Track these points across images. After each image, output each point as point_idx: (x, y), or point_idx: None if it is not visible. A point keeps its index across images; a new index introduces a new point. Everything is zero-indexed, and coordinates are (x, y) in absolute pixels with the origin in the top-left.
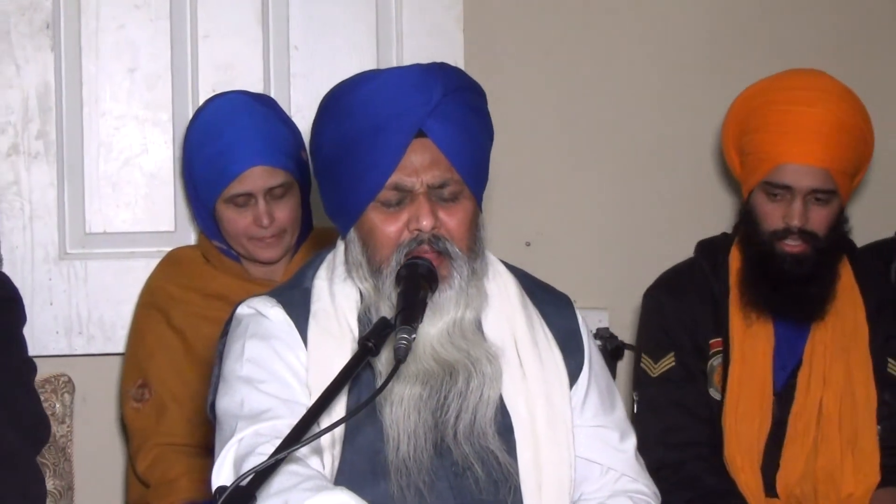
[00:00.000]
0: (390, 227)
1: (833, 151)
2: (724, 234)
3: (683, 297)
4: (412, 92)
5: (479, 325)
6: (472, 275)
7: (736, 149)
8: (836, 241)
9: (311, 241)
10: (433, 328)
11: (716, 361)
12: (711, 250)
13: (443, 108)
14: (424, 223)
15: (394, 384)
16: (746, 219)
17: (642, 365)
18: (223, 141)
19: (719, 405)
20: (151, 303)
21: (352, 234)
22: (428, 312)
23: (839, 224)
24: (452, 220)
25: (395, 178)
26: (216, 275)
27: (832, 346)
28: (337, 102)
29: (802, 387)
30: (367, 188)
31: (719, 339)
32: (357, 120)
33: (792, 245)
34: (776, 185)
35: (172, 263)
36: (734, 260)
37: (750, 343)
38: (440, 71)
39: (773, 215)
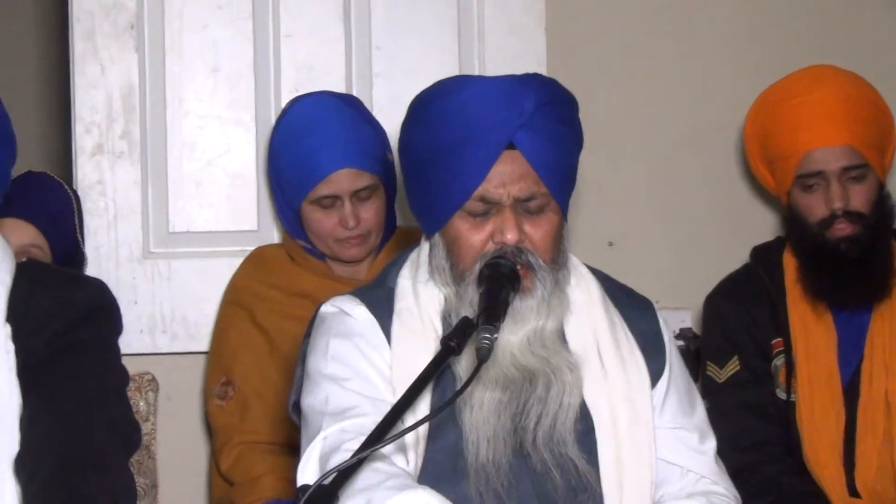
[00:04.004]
0: (475, 237)
1: (850, 125)
2: (778, 238)
3: (742, 301)
4: (504, 104)
5: (560, 334)
6: (555, 286)
7: (763, 162)
8: (883, 218)
9: (395, 241)
10: (514, 336)
11: (779, 361)
12: (766, 254)
13: (534, 122)
14: (509, 236)
15: (474, 388)
16: (792, 220)
17: (708, 372)
18: (310, 143)
19: (787, 405)
20: (236, 301)
21: (437, 238)
22: (509, 320)
23: (882, 200)
24: (537, 233)
25: (482, 189)
26: (301, 273)
27: (891, 335)
28: (428, 108)
29: (866, 378)
30: (454, 197)
31: (780, 339)
32: (447, 129)
33: (841, 228)
34: (808, 175)
35: (257, 261)
36: (789, 261)
37: (813, 340)
38: (533, 83)
39: (815, 206)
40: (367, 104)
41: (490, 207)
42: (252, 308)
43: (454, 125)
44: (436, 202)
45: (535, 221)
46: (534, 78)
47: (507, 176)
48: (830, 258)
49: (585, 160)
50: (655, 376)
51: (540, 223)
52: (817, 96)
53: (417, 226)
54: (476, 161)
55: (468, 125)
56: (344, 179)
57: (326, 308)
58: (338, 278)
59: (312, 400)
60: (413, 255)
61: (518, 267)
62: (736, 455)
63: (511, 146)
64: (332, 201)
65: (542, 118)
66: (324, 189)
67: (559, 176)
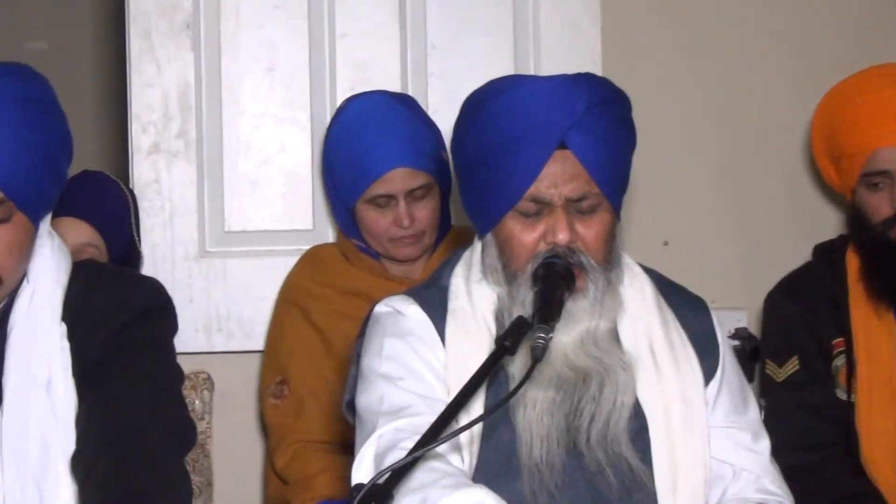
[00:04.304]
0: (527, 237)
1: None
2: (841, 237)
3: (803, 300)
4: (556, 103)
5: (613, 333)
6: (608, 285)
7: (829, 159)
8: None
9: (450, 240)
10: (566, 336)
11: (839, 362)
12: (828, 253)
13: (586, 121)
14: (561, 237)
15: (528, 388)
16: (855, 219)
17: (767, 371)
18: (365, 142)
19: (846, 405)
20: (291, 300)
21: (489, 237)
22: (562, 321)
23: None
24: (589, 233)
25: (533, 189)
26: (355, 272)
27: None
28: (480, 108)
29: None
30: (506, 197)
31: (841, 338)
32: (499, 128)
33: None
34: (874, 174)
35: (312, 261)
36: (851, 260)
37: (874, 341)
38: (585, 82)
39: (879, 205)
40: (422, 103)
41: (542, 207)
42: (307, 307)
43: (506, 125)
44: (488, 202)
45: (586, 221)
46: (586, 77)
47: (559, 176)
48: (893, 258)
49: (640, 159)
50: (709, 375)
51: (592, 223)
52: (886, 94)
53: (471, 226)
54: (528, 161)
55: (520, 125)
56: (398, 179)
57: (380, 308)
58: (392, 278)
59: (367, 399)
60: (466, 255)
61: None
62: (793, 455)
63: (563, 146)
64: (386, 201)
65: (594, 118)
66: (378, 188)
67: (611, 175)
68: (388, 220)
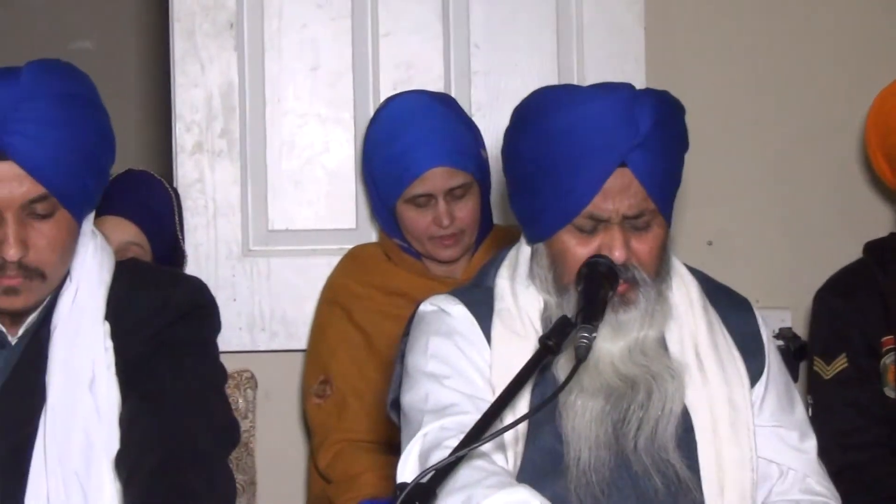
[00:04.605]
0: (581, 252)
1: None
2: (892, 234)
3: (853, 298)
4: (619, 124)
5: (661, 341)
6: (658, 296)
7: (884, 156)
8: None
9: (492, 240)
10: (614, 346)
11: (888, 359)
12: (880, 250)
13: (647, 142)
14: (617, 254)
15: (577, 396)
16: None
17: (815, 368)
18: (404, 141)
19: (895, 404)
20: (333, 299)
21: (541, 247)
22: (611, 331)
23: None
24: (644, 248)
25: (591, 207)
26: (397, 272)
27: None
28: (539, 122)
29: None
30: (564, 213)
31: (891, 336)
32: (557, 147)
33: None
34: None
35: (354, 261)
36: None
37: None
38: (647, 102)
39: None
40: (465, 102)
41: (598, 224)
42: (349, 307)
43: (566, 143)
44: (543, 215)
45: (641, 237)
46: (648, 95)
47: (617, 193)
48: None
49: (685, 159)
50: (755, 377)
51: (646, 239)
52: None
53: (514, 225)
54: (587, 179)
55: (582, 145)
56: (438, 178)
57: (425, 307)
58: (434, 277)
59: (412, 397)
60: (511, 255)
61: (622, 282)
62: (840, 453)
63: (622, 164)
64: (426, 200)
65: (655, 137)
66: (418, 188)
67: (668, 191)
68: (427, 220)
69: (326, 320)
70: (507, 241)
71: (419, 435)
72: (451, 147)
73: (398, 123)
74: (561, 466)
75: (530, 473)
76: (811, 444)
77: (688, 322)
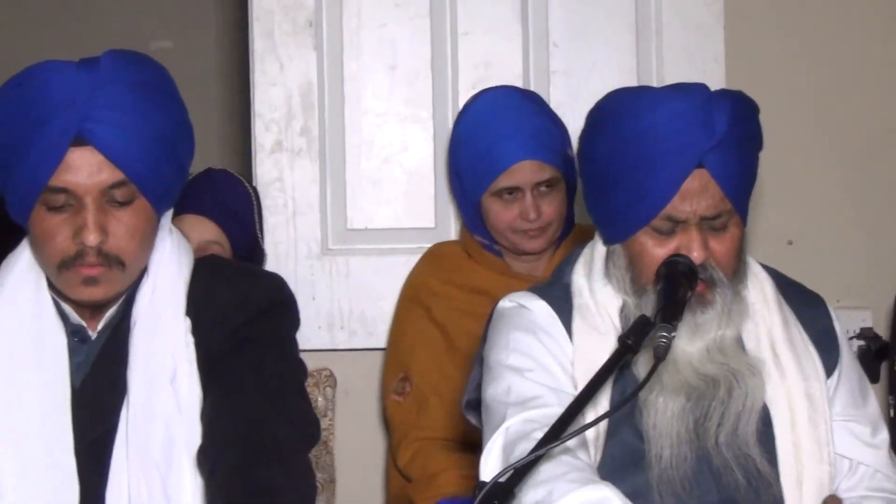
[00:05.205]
0: (659, 253)
1: None
2: None
3: None
4: (695, 126)
5: (738, 340)
6: (735, 296)
7: None
8: None
9: (573, 239)
10: (692, 347)
11: None
12: None
13: (724, 143)
14: (696, 255)
15: (658, 394)
16: None
17: None
18: (492, 135)
19: None
20: (413, 297)
21: (618, 248)
22: (688, 331)
23: None
24: (721, 249)
25: (669, 208)
26: (478, 270)
27: None
28: (615, 125)
29: None
30: (641, 214)
31: None
32: (636, 147)
33: None
34: None
35: (434, 258)
36: None
37: None
38: (724, 103)
39: None
40: (544, 101)
41: (676, 225)
42: (429, 305)
43: (643, 145)
44: (620, 217)
45: (719, 238)
46: (723, 97)
47: (695, 195)
48: None
49: (764, 158)
50: (829, 371)
51: (724, 239)
52: None
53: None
54: (665, 181)
55: (659, 147)
56: (526, 171)
57: (504, 303)
58: (515, 275)
59: (494, 390)
60: (586, 252)
61: (699, 283)
62: None
63: (699, 165)
64: (512, 193)
65: (731, 138)
66: (505, 181)
67: (744, 191)
68: (513, 213)
69: (406, 318)
70: (588, 240)
71: (502, 428)
72: (540, 142)
73: (488, 117)
74: (641, 463)
75: (610, 469)
76: (882, 437)
77: (763, 319)
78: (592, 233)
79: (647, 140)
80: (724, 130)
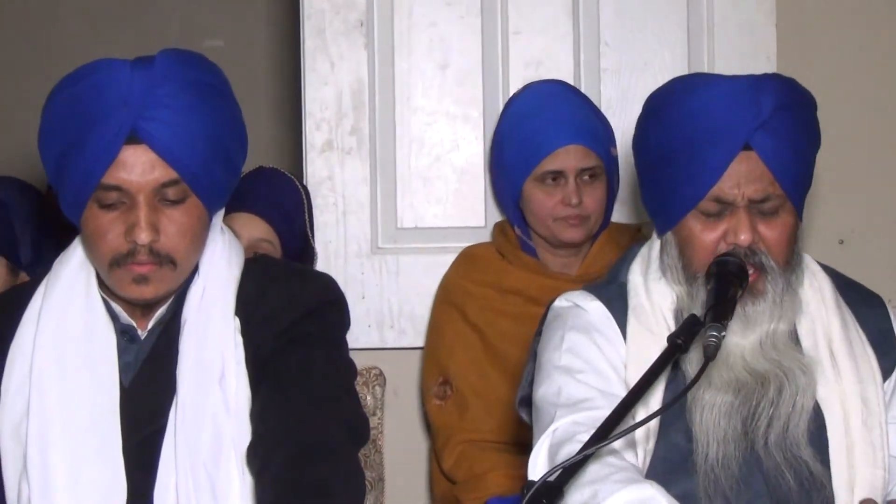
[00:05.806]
0: (708, 237)
1: None
2: None
3: None
4: (742, 105)
5: (792, 335)
6: (787, 287)
7: None
8: None
9: (607, 235)
10: (745, 340)
11: None
12: None
13: (771, 123)
14: (742, 237)
15: (705, 391)
16: None
17: None
18: (540, 119)
19: None
20: (448, 300)
21: (669, 236)
22: (740, 324)
23: None
24: (771, 235)
25: (716, 190)
26: (511, 270)
27: None
28: (665, 108)
29: None
30: (689, 197)
31: None
32: (683, 130)
33: None
34: None
35: (467, 260)
36: None
37: None
38: (771, 84)
39: None
40: (595, 100)
41: (724, 208)
42: (464, 307)
43: (691, 126)
44: (670, 201)
45: (769, 223)
46: (772, 79)
47: (743, 177)
48: None
49: (817, 156)
50: (886, 373)
51: (774, 225)
52: None
53: (629, 223)
54: (712, 161)
55: (705, 126)
56: (571, 155)
57: (560, 302)
58: (549, 274)
59: (545, 391)
60: (643, 251)
61: (750, 270)
62: None
63: (747, 147)
64: (556, 179)
65: (780, 120)
66: (550, 164)
67: (795, 177)
68: (555, 199)
69: (442, 321)
70: (621, 240)
71: (550, 430)
72: (586, 129)
73: (536, 103)
74: (689, 463)
75: (659, 470)
76: None
77: (820, 318)
78: (626, 232)
79: (695, 121)
80: (770, 110)
